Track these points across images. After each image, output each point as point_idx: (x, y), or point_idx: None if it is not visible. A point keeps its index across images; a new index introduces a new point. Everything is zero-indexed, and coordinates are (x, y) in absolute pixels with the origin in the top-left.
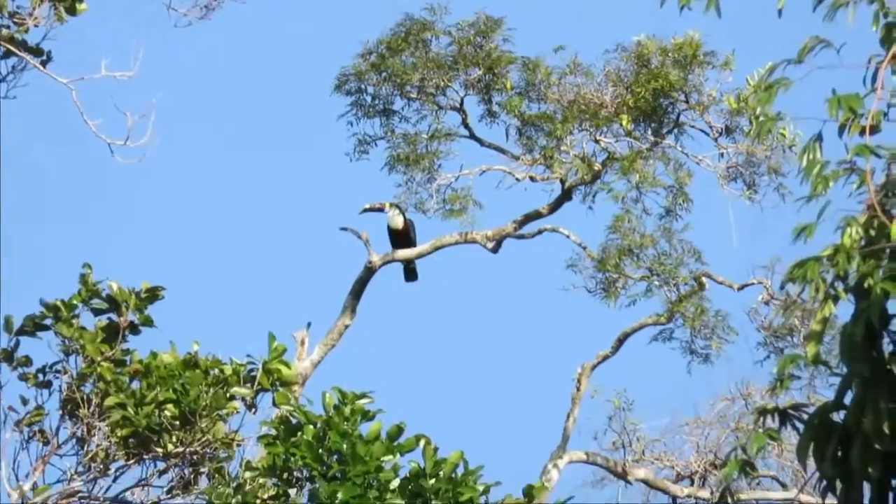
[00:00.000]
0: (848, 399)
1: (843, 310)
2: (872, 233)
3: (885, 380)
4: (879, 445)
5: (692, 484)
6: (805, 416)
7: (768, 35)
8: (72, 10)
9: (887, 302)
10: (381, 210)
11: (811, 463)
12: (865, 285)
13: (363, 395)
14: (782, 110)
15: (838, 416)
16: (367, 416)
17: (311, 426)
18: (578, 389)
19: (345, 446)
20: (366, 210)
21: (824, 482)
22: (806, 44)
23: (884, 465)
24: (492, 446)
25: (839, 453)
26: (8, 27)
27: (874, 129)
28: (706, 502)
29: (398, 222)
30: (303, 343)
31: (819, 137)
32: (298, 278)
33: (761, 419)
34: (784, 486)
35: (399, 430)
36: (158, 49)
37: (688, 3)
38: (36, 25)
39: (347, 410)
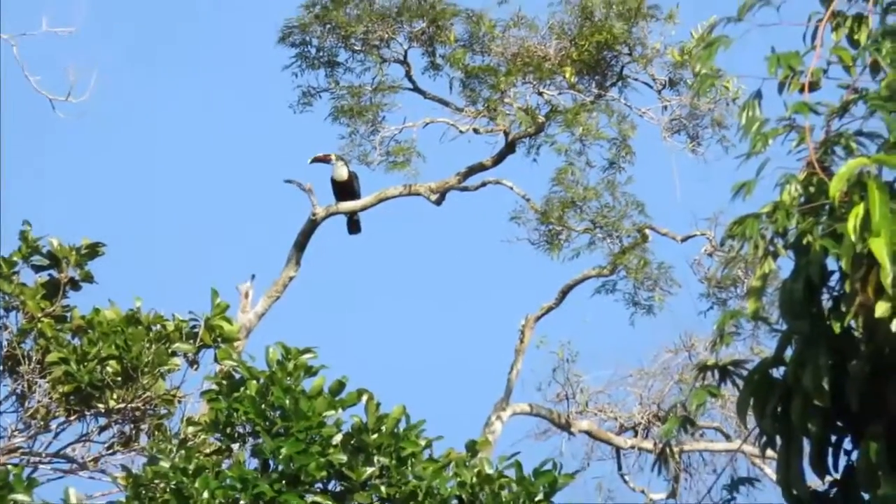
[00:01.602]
0: (788, 355)
1: (784, 265)
2: (811, 190)
3: (824, 336)
4: (819, 402)
5: (635, 435)
6: (745, 372)
7: None
8: None
9: (826, 259)
10: (327, 161)
11: (753, 417)
12: (804, 242)
13: (306, 351)
14: (723, 67)
15: (778, 372)
16: (311, 371)
17: (255, 381)
18: (522, 341)
19: (288, 402)
20: (314, 160)
21: (764, 437)
22: (746, 2)
23: (823, 421)
24: (436, 399)
25: (779, 409)
26: None
27: (813, 87)
28: (649, 453)
29: (342, 174)
30: (247, 295)
31: (758, 95)
32: (243, 231)
33: (702, 375)
34: (728, 438)
35: (341, 385)
36: (100, 4)
37: None
38: None
39: (290, 366)
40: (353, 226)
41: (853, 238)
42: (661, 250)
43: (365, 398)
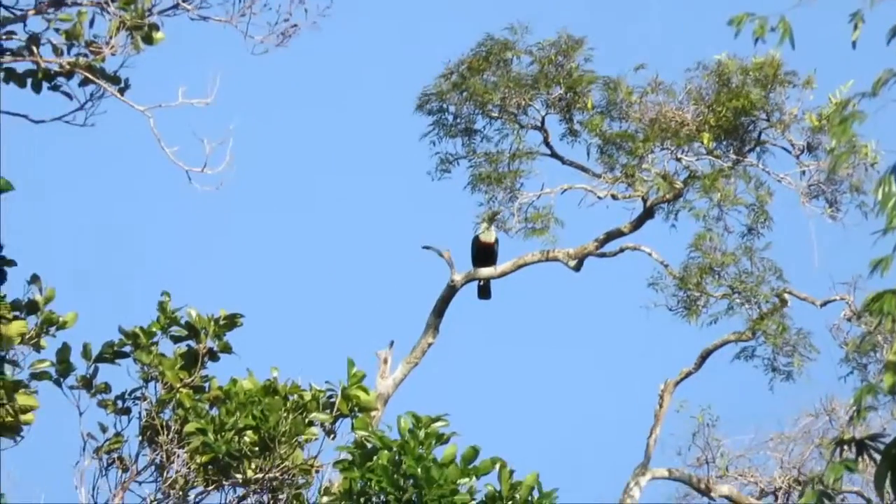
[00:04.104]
0: None
1: None
2: None
3: None
4: None
5: (776, 500)
6: (882, 446)
7: (851, 52)
8: (148, 39)
9: None
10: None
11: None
12: None
13: (438, 419)
14: (861, 132)
15: None
16: (442, 439)
17: (387, 451)
18: (661, 406)
19: (420, 470)
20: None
21: None
22: (880, 77)
23: None
24: (575, 464)
25: None
26: (85, 55)
27: None
28: None
29: (490, 237)
30: (386, 362)
31: (894, 170)
32: (382, 297)
33: (839, 449)
34: (868, 502)
35: (474, 452)
36: (236, 76)
37: (762, 35)
38: (113, 54)
39: (422, 434)
40: (484, 291)
41: None
42: (799, 315)
43: (498, 466)
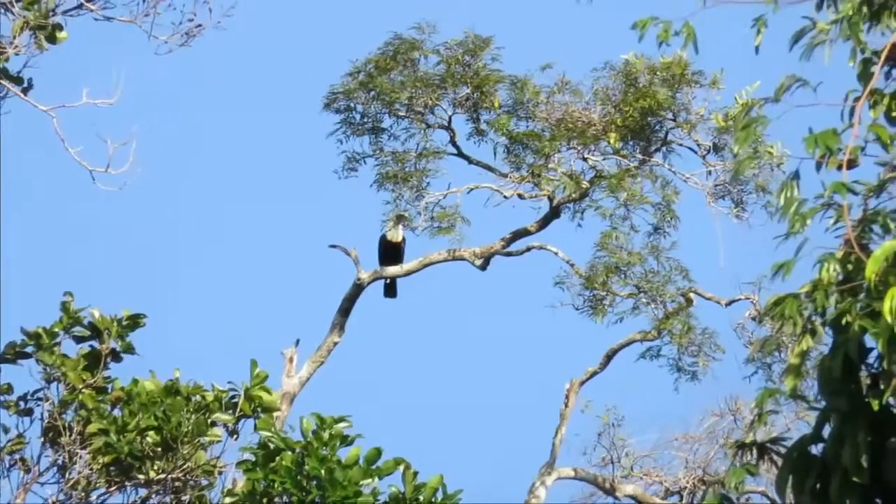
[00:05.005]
0: (826, 432)
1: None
2: (850, 268)
3: (863, 413)
4: (858, 479)
5: (681, 499)
6: (783, 450)
7: (756, 54)
8: (52, 39)
9: (864, 336)
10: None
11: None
12: (843, 321)
13: (341, 419)
14: (763, 139)
15: (816, 449)
16: (346, 440)
17: (290, 452)
18: (567, 405)
19: (323, 472)
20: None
21: None
22: (782, 83)
23: (862, 498)
24: (480, 464)
25: (818, 486)
26: None
27: (852, 164)
28: None
29: (397, 235)
30: (292, 360)
31: (796, 175)
32: (288, 296)
33: (741, 452)
34: (773, 502)
35: (378, 453)
36: (139, 76)
37: (666, 39)
38: (16, 54)
39: (326, 435)
40: (391, 290)
41: (889, 320)
42: (705, 315)
43: (402, 467)
